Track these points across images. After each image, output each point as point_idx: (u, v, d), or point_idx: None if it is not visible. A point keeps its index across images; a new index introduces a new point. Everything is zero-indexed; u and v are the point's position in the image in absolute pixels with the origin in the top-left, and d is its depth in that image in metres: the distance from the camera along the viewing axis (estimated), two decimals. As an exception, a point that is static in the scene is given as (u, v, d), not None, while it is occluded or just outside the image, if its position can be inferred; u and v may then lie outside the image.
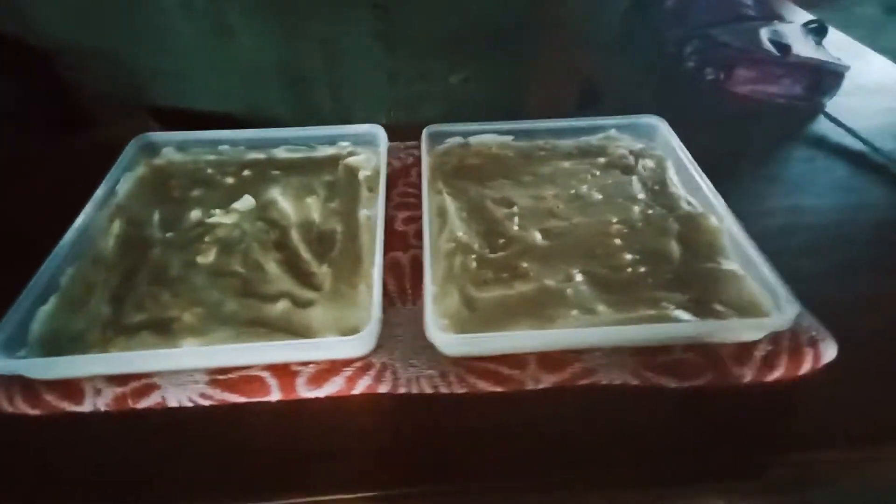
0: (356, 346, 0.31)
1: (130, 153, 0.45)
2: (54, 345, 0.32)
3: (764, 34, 0.64)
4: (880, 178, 0.49)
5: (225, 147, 0.48)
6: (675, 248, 0.37)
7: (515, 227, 0.39)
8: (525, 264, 0.37)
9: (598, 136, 0.49)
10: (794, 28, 0.66)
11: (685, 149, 0.44)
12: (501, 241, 0.39)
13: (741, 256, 0.36)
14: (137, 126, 0.49)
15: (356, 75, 0.53)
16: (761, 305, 0.33)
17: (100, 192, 0.41)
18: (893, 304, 0.37)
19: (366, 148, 0.48)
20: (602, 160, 0.46)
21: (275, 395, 0.31)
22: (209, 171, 0.46)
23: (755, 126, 0.59)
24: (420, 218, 0.40)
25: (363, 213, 0.41)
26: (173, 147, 0.48)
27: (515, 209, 0.41)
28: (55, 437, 0.30)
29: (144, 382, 0.31)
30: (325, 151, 0.48)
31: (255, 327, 0.33)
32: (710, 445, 0.30)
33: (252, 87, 0.52)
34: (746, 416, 0.31)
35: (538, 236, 0.38)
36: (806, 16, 0.72)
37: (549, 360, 0.32)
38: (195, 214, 0.41)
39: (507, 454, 0.29)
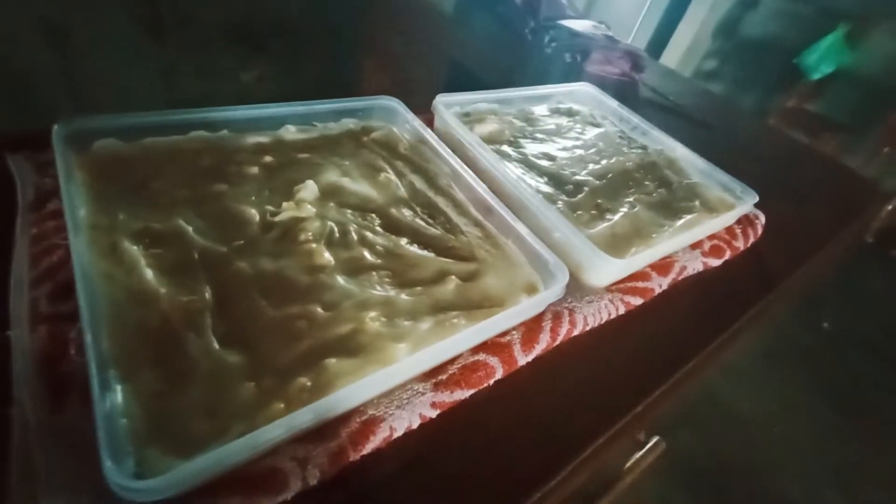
0: (556, 293, 0.31)
1: (62, 152, 0.28)
2: (174, 432, 0.20)
3: (588, 27, 0.86)
4: (681, 117, 0.76)
5: (200, 133, 0.35)
6: (669, 174, 0.49)
7: (567, 172, 0.44)
8: (599, 201, 0.42)
9: (553, 101, 0.58)
10: (592, 24, 0.90)
11: (623, 106, 0.58)
12: (569, 186, 0.43)
13: (699, 172, 0.51)
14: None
15: (109, 70, 0.44)
16: (728, 200, 0.49)
17: (70, 217, 0.25)
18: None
19: (374, 121, 0.43)
20: (578, 118, 0.55)
21: (498, 374, 0.28)
22: (206, 160, 0.33)
23: (613, 93, 0.79)
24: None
25: (443, 182, 0.38)
26: (114, 137, 0.32)
27: (559, 161, 0.46)
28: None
29: (360, 421, 0.23)
30: (335, 129, 0.41)
31: (443, 312, 0.28)
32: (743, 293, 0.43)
33: None
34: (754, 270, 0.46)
35: (592, 178, 0.45)
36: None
37: (659, 267, 0.40)
38: (250, 213, 0.30)
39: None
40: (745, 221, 0.49)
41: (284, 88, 0.43)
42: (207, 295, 0.25)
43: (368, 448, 0.23)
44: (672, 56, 2.09)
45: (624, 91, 0.81)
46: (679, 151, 0.53)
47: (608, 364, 0.33)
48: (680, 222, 0.43)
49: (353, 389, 0.22)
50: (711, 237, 0.46)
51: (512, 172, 0.41)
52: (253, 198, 0.31)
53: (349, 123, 0.42)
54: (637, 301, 0.37)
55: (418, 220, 0.34)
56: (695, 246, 0.44)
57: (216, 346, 0.23)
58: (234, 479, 0.20)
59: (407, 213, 0.34)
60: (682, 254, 0.42)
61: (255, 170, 0.34)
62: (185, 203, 0.30)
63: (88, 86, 0.51)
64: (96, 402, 0.18)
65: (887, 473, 1.20)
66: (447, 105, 0.47)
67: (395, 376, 0.24)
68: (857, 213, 0.65)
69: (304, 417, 0.20)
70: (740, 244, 0.47)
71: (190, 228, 0.28)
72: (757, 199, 0.47)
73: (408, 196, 0.36)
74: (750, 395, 1.32)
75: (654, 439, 0.76)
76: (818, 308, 1.61)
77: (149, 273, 0.25)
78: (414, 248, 0.31)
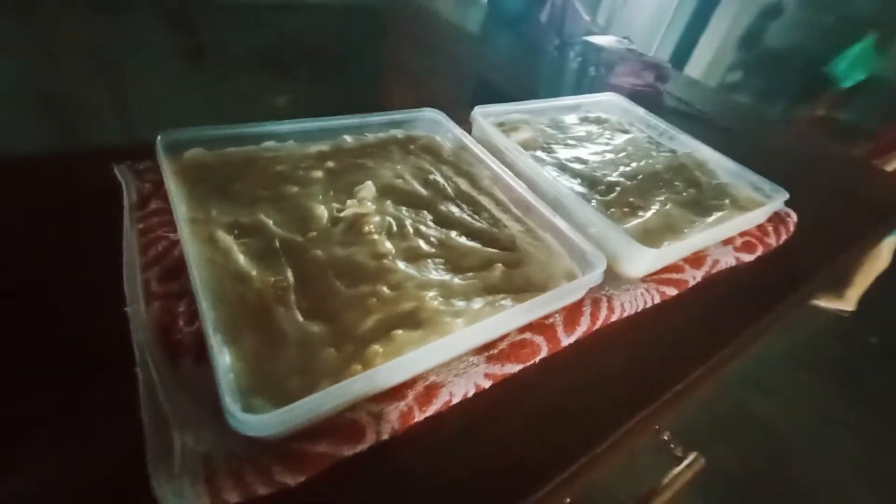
0: (595, 279, 0.33)
1: (164, 158, 0.33)
2: (276, 388, 0.23)
3: (612, 41, 0.89)
4: (706, 124, 0.77)
5: (271, 143, 0.40)
6: (698, 175, 0.51)
7: (599, 174, 0.47)
8: (631, 199, 0.45)
9: (581, 111, 0.61)
10: (616, 39, 0.94)
11: (649, 112, 0.60)
12: (601, 187, 0.46)
13: (728, 173, 0.53)
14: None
15: (153, 97, 0.49)
16: (758, 198, 0.50)
17: (177, 211, 0.29)
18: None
19: (418, 131, 0.47)
20: (607, 125, 0.58)
21: (543, 352, 0.31)
22: (280, 167, 0.37)
23: (638, 103, 0.82)
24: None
25: (484, 183, 0.42)
26: (202, 147, 0.37)
27: (591, 164, 0.49)
28: (355, 494, 0.23)
29: (424, 385, 0.26)
30: (384, 138, 0.45)
31: (493, 294, 0.31)
32: (774, 287, 0.45)
33: None
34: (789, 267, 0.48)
35: (623, 180, 0.47)
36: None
37: (692, 261, 0.42)
38: (321, 210, 0.34)
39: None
40: (777, 219, 0.51)
41: (316, 111, 0.49)
42: (290, 276, 0.29)
43: (431, 410, 0.26)
44: (695, 69, 2.10)
45: (649, 101, 0.83)
46: (707, 154, 0.55)
47: (648, 348, 0.35)
48: (710, 219, 0.45)
49: (418, 355, 0.25)
50: (743, 234, 0.48)
51: (548, 174, 0.44)
52: (320, 197, 0.35)
53: (396, 133, 0.46)
54: (672, 291, 0.39)
55: (465, 216, 0.37)
56: (727, 242, 0.46)
57: (300, 318, 0.26)
58: (323, 428, 0.23)
59: (455, 209, 0.38)
60: (715, 248, 0.44)
61: (319, 174, 0.38)
62: (263, 201, 0.34)
63: (138, 111, 0.57)
64: (214, 357, 0.22)
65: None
66: (484, 115, 0.51)
67: (453, 347, 0.27)
68: (890, 212, 0.65)
69: (379, 375, 0.23)
70: (773, 240, 0.48)
71: (270, 222, 0.32)
72: (787, 196, 0.48)
73: (454, 195, 0.39)
74: (786, 408, 1.28)
75: (692, 455, 0.76)
76: (860, 321, 1.55)
77: (241, 258, 0.29)
78: (463, 240, 0.35)
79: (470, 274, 0.32)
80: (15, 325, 0.26)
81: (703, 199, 0.48)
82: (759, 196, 0.50)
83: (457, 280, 0.31)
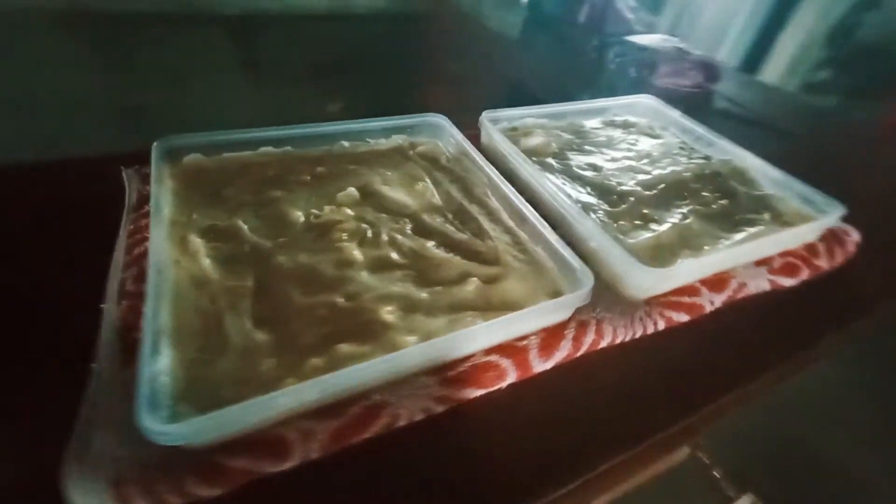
0: (578, 299, 0.30)
1: (157, 164, 0.35)
2: (206, 396, 0.23)
3: (658, 40, 0.82)
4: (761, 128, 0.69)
5: (267, 149, 0.40)
6: (734, 184, 0.46)
7: (616, 184, 0.43)
8: (645, 211, 0.40)
9: (609, 114, 0.56)
10: (662, 37, 0.87)
11: (685, 116, 0.55)
12: (613, 197, 0.42)
13: (774, 183, 0.46)
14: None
15: (214, 106, 0.50)
16: (808, 213, 0.43)
17: (154, 213, 0.30)
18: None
19: (422, 137, 0.46)
20: (633, 129, 0.53)
21: (511, 377, 0.28)
22: (270, 171, 0.38)
23: (683, 106, 0.75)
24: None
25: (479, 191, 0.39)
26: (200, 153, 0.38)
27: (605, 171, 0.45)
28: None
29: (365, 405, 0.25)
30: (383, 144, 0.45)
31: (460, 312, 0.29)
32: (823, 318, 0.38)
33: (70, 120, 0.41)
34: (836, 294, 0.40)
35: (639, 189, 0.43)
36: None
37: (712, 283, 0.37)
38: (296, 215, 0.34)
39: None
40: (833, 238, 0.44)
41: (366, 115, 0.50)
42: (250, 282, 0.28)
43: (370, 432, 0.24)
44: (773, 70, 1.91)
45: (696, 103, 0.76)
46: (749, 161, 0.48)
47: (642, 382, 0.31)
48: (740, 235, 0.39)
49: (357, 371, 0.23)
50: (784, 254, 0.41)
51: (551, 183, 0.41)
52: (302, 202, 0.35)
53: (398, 139, 0.45)
54: (682, 317, 0.34)
55: (448, 226, 0.35)
56: (761, 262, 0.40)
57: (250, 325, 0.26)
58: (245, 442, 0.22)
59: (438, 218, 0.36)
60: (744, 270, 0.39)
61: (307, 178, 0.38)
62: (247, 206, 0.34)
63: (200, 118, 0.61)
64: (142, 360, 0.22)
65: None
66: (494, 120, 0.48)
67: (400, 363, 0.25)
68: None
69: (308, 390, 0.22)
70: (824, 263, 0.41)
71: (245, 227, 0.32)
72: (843, 211, 0.41)
73: (442, 203, 0.38)
74: (845, 441, 1.10)
75: (747, 498, 0.68)
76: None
77: (207, 261, 0.29)
78: (440, 251, 0.33)
79: (439, 288, 0.30)
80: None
81: (735, 211, 0.42)
82: (809, 210, 0.43)
83: (423, 294, 0.29)
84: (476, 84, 0.86)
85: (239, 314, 0.27)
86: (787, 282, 0.39)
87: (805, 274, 0.40)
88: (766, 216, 0.42)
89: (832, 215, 0.41)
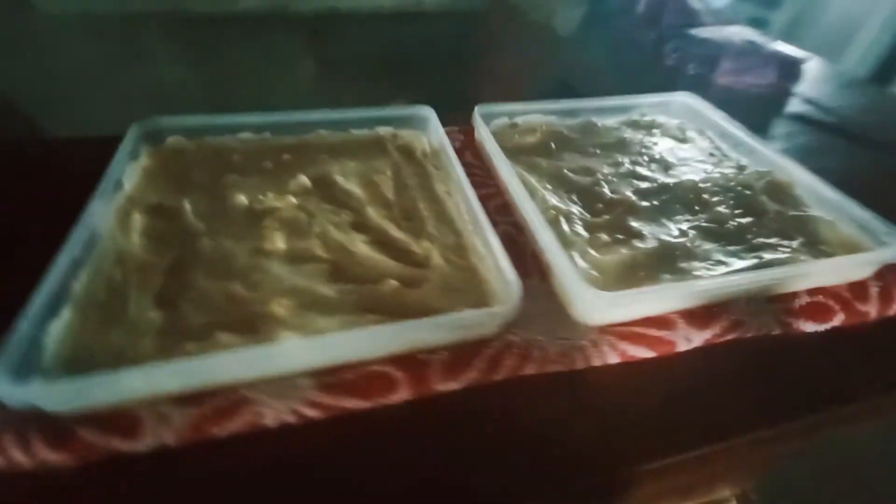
0: (501, 315, 0.26)
1: (131, 142, 0.37)
2: (84, 365, 0.23)
3: (731, 33, 0.71)
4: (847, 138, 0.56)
5: (246, 134, 0.41)
6: (766, 200, 0.37)
7: (608, 191, 0.37)
8: (633, 223, 0.34)
9: (635, 113, 0.50)
10: (745, 29, 0.75)
11: (729, 118, 0.46)
12: (599, 205, 0.36)
13: (823, 203, 0.37)
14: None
15: (291, 100, 0.50)
16: (861, 243, 0.34)
17: (103, 187, 0.32)
18: None
19: (408, 129, 0.44)
20: (657, 131, 0.46)
21: (402, 394, 0.25)
22: (235, 156, 0.39)
23: (746, 106, 0.64)
24: (495, 195, 0.39)
25: (441, 188, 0.37)
26: (181, 135, 0.40)
27: (599, 176, 0.39)
28: (101, 493, 0.21)
29: (230, 398, 0.24)
30: (364, 134, 0.43)
31: (363, 313, 0.27)
32: (861, 376, 0.29)
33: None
34: (884, 348, 0.31)
35: (634, 197, 0.37)
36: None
37: (696, 316, 0.30)
38: (240, 200, 0.34)
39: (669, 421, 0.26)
40: (892, 278, 0.34)
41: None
42: (167, 261, 0.29)
43: (232, 427, 0.23)
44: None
45: (765, 104, 0.65)
46: (797, 175, 0.40)
47: (569, 425, 0.26)
48: (748, 262, 0.32)
49: (220, 361, 0.22)
50: (816, 291, 0.33)
51: (527, 186, 0.37)
52: (253, 189, 0.35)
53: (382, 131, 0.44)
54: (643, 353, 0.28)
55: (389, 222, 0.33)
56: (775, 299, 0.32)
57: (150, 303, 0.26)
58: (101, 417, 0.22)
59: (384, 212, 0.34)
60: (746, 305, 0.31)
61: (269, 165, 0.38)
62: (201, 188, 0.35)
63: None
64: (21, 319, 0.23)
65: None
66: (489, 115, 0.45)
67: (269, 360, 0.24)
68: None
69: (160, 372, 0.22)
70: (872, 308, 0.32)
71: (189, 208, 0.33)
72: (904, 244, 0.32)
73: (393, 198, 0.35)
74: None
75: None
76: None
77: (136, 238, 0.30)
78: (367, 247, 0.31)
79: (350, 286, 0.28)
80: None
81: (756, 232, 0.35)
82: (863, 238, 0.34)
83: (329, 291, 0.28)
84: (525, 79, 0.83)
85: (145, 292, 0.27)
86: (810, 327, 0.31)
87: (840, 318, 0.32)
88: (797, 242, 0.34)
89: (893, 248, 0.32)
